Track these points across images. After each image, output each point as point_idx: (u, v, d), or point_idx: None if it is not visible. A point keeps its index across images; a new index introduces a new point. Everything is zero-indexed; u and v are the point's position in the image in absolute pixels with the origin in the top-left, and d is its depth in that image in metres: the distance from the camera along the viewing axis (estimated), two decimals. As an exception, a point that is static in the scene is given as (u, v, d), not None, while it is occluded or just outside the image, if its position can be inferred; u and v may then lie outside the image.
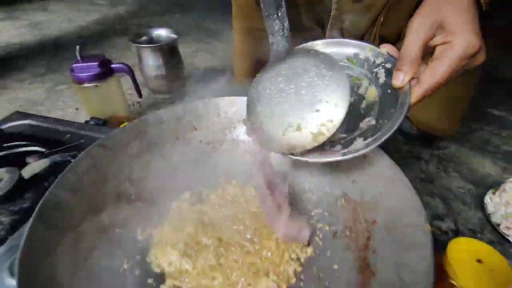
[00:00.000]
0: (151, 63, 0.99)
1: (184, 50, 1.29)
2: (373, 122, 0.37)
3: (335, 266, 0.38)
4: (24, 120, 0.70)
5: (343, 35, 0.61)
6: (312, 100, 0.35)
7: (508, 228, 0.59)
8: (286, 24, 0.40)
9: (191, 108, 0.52)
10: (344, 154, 0.35)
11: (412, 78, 0.35)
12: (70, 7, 2.11)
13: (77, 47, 0.77)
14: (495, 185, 0.65)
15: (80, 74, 0.78)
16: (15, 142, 0.63)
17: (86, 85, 0.80)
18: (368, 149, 0.34)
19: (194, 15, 1.93)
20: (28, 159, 0.58)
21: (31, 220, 0.32)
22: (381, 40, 0.61)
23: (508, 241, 0.57)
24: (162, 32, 1.04)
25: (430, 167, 0.75)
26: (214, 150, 0.53)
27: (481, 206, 0.63)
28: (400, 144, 0.81)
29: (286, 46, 0.40)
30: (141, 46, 0.97)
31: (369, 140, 0.35)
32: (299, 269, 0.39)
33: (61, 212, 0.35)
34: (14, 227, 0.47)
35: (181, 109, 0.52)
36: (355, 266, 0.36)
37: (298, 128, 0.35)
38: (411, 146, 0.80)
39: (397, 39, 0.62)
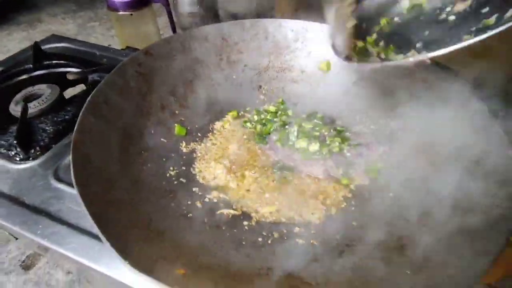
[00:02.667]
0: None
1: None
2: None
3: (391, 194, 0.35)
4: (62, 43, 0.68)
5: None
6: None
7: None
8: None
9: (237, 27, 0.48)
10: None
11: None
12: None
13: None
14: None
15: (115, 0, 0.75)
16: (55, 61, 0.62)
17: (121, 13, 0.77)
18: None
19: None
20: (69, 76, 0.57)
21: (81, 112, 0.31)
22: None
23: None
24: (198, -35, 0.97)
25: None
26: (258, 76, 0.50)
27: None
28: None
29: None
30: (177, -21, 0.91)
31: None
32: (349, 195, 0.37)
33: (109, 107, 0.34)
34: (57, 137, 0.47)
35: (226, 26, 0.48)
36: (414, 198, 0.33)
37: None
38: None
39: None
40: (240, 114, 0.47)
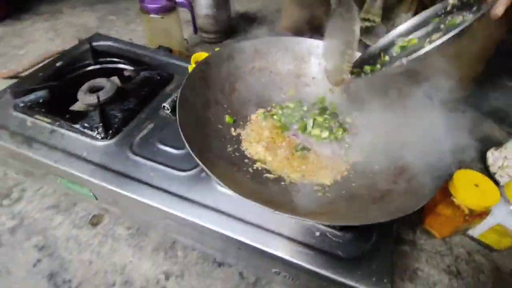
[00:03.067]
0: (203, 2, 1.07)
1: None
2: None
3: (376, 167, 0.53)
4: (108, 41, 0.81)
5: None
6: None
7: (501, 176, 0.74)
8: None
9: (266, 43, 0.64)
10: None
11: None
12: None
13: (148, -22, 0.85)
14: (498, 144, 0.78)
15: (150, 5, 0.87)
16: (108, 58, 0.75)
17: (152, 15, 0.90)
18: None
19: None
20: (125, 72, 0.70)
21: (177, 104, 0.46)
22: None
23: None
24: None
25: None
26: (280, 80, 0.66)
27: (483, 160, 0.78)
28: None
29: None
30: (197, -15, 1.04)
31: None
32: (348, 167, 0.54)
33: (188, 102, 0.49)
34: (126, 121, 0.61)
35: (259, 42, 0.63)
36: (391, 167, 0.51)
37: None
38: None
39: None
40: (268, 109, 0.63)
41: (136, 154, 0.56)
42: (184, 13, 1.00)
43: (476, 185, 0.58)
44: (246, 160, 0.52)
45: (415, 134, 0.52)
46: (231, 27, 1.21)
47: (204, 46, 1.18)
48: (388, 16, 0.87)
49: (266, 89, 0.64)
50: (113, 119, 0.61)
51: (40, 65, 0.75)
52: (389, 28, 0.68)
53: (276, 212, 0.35)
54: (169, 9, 0.90)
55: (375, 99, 0.60)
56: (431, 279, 0.62)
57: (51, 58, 0.77)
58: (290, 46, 0.65)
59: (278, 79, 0.66)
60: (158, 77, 0.71)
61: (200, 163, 0.39)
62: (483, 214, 0.63)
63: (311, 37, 0.66)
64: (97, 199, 0.60)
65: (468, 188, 0.57)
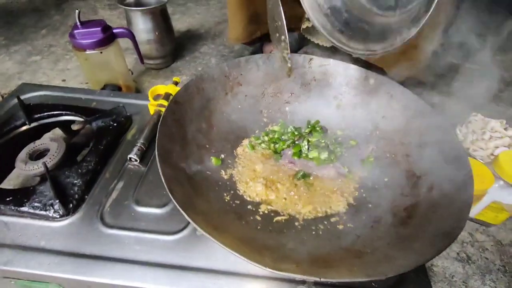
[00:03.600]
0: (142, 26, 0.97)
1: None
2: None
3: (386, 179, 0.49)
4: (38, 91, 0.67)
5: None
6: None
7: (474, 150, 0.76)
8: None
9: (235, 65, 0.57)
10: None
11: None
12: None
13: (77, 11, 0.74)
14: (463, 121, 0.81)
15: (84, 41, 0.75)
16: (43, 113, 0.61)
17: (90, 52, 0.77)
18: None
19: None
20: (73, 126, 0.58)
21: (157, 158, 0.37)
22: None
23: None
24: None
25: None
26: (257, 103, 0.60)
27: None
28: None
29: None
30: (132, 9, 0.93)
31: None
32: (357, 185, 0.50)
33: (169, 154, 0.40)
34: (87, 187, 0.50)
35: (226, 66, 0.56)
36: (401, 175, 0.48)
37: None
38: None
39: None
40: (253, 139, 0.56)
41: (110, 226, 0.46)
42: (123, 42, 0.89)
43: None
44: (249, 207, 0.45)
45: (413, 131, 0.50)
46: (176, 49, 1.12)
47: (151, 74, 1.08)
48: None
49: (246, 116, 0.58)
50: (70, 188, 0.49)
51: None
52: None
53: (321, 279, 0.28)
54: (107, 42, 0.78)
55: (358, 107, 0.57)
56: (447, 272, 0.61)
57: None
58: (260, 63, 0.59)
59: (255, 102, 0.59)
60: (114, 124, 0.60)
61: (199, 229, 0.31)
62: (479, 196, 0.64)
63: (262, 45, 0.61)
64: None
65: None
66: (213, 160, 0.49)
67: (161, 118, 0.43)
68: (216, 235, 0.31)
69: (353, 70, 0.58)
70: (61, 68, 1.07)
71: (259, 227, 0.42)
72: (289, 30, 0.82)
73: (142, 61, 0.90)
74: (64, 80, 0.99)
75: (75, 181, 0.50)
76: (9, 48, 1.11)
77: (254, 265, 0.29)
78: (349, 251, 0.37)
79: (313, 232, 0.42)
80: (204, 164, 0.47)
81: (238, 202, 0.45)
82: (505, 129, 0.79)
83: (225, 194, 0.45)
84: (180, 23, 1.35)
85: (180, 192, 0.36)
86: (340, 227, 0.43)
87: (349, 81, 0.58)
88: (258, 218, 0.43)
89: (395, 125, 0.53)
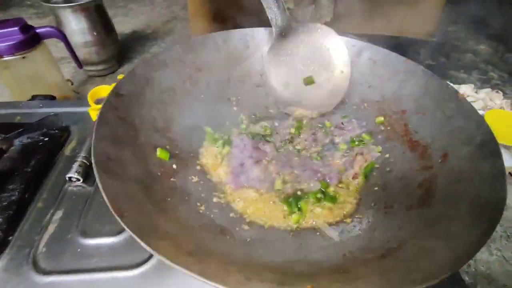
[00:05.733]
0: (75, 28, 0.83)
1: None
2: None
3: (387, 155, 0.42)
4: None
5: None
6: None
7: None
8: None
9: (190, 46, 0.47)
10: None
11: None
12: None
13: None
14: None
15: (-3, 44, 0.61)
16: None
17: (7, 58, 0.63)
18: None
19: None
20: (-12, 147, 0.44)
21: (95, 169, 0.26)
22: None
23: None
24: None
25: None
26: (223, 90, 0.50)
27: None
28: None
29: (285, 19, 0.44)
30: (59, 6, 0.79)
31: None
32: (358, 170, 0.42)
33: (114, 162, 0.29)
34: (12, 224, 0.37)
35: (180, 48, 0.46)
36: (403, 148, 0.41)
37: None
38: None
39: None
40: (223, 134, 0.46)
41: (46, 273, 0.34)
42: (57, 49, 0.75)
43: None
44: (232, 215, 0.35)
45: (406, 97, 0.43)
46: (121, 52, 0.99)
47: (95, 82, 0.93)
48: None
49: (211, 107, 0.48)
50: (-12, 229, 0.36)
51: None
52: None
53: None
54: (30, 44, 0.64)
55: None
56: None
57: None
58: (220, 42, 0.50)
59: (220, 89, 0.50)
60: (45, 138, 0.47)
61: (166, 260, 0.20)
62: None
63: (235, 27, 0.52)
64: None
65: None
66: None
67: (97, 116, 0.32)
68: (193, 264, 0.21)
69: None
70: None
71: (248, 240, 0.32)
72: None
73: (80, 66, 0.77)
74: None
75: (-7, 220, 0.37)
76: None
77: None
78: (370, 251, 0.28)
79: (317, 237, 0.33)
80: (166, 169, 0.36)
81: (216, 211, 0.35)
82: (476, 92, 0.77)
83: (198, 204, 0.35)
84: (123, 25, 1.21)
85: (133, 211, 0.25)
86: (348, 220, 0.35)
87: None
88: (246, 227, 0.33)
89: (384, 94, 0.46)
